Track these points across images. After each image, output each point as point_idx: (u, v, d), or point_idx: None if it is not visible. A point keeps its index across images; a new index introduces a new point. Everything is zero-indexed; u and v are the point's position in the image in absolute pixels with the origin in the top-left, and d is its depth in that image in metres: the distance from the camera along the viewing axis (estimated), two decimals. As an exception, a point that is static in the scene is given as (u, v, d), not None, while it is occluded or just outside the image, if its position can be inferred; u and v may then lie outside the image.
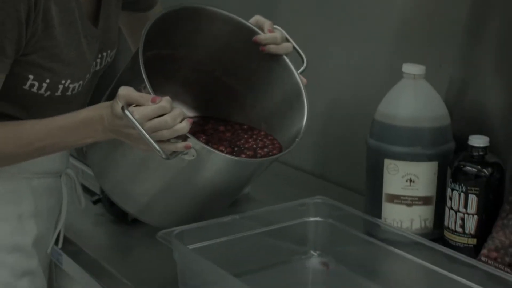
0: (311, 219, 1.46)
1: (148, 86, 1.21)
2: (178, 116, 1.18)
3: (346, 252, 1.45)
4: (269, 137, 1.44)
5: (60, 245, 1.56)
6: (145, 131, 1.16)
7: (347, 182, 1.86)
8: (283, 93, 1.45)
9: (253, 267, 1.39)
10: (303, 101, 1.39)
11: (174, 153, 1.20)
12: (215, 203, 1.40)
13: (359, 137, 1.61)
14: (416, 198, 1.50)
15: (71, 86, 1.33)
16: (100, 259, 1.50)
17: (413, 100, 1.50)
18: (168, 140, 1.20)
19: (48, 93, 1.31)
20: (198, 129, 1.47)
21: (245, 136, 1.45)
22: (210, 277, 1.24)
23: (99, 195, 1.70)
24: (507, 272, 1.33)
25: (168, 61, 1.47)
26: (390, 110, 1.51)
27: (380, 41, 1.75)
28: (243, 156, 1.36)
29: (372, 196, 1.56)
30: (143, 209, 1.42)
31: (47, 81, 1.30)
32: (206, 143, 1.34)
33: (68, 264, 1.61)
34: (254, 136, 1.45)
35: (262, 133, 1.46)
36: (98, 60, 1.40)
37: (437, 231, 1.51)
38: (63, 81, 1.32)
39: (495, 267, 1.34)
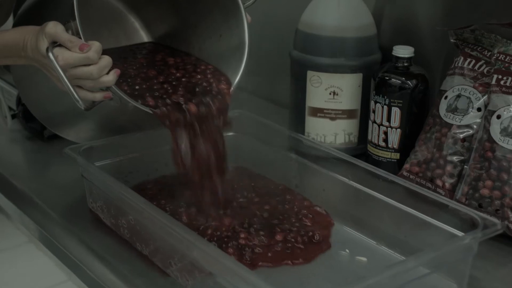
0: (230, 133, 1.39)
1: (80, 31, 1.10)
2: (104, 67, 1.10)
3: (268, 167, 1.39)
4: (223, 77, 1.30)
5: None
6: (67, 78, 1.08)
7: (270, 95, 1.81)
8: (227, 32, 1.31)
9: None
10: (243, 52, 1.27)
11: (95, 103, 1.13)
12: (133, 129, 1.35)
13: (284, 48, 1.54)
14: (340, 112, 1.45)
15: None
16: (9, 175, 1.43)
17: (336, 8, 1.42)
18: None
19: None
20: (148, 59, 1.37)
21: (198, 76, 1.31)
22: (114, 194, 1.17)
23: (15, 111, 1.63)
24: (428, 187, 1.29)
25: None
26: (313, 19, 1.45)
27: None
28: None
29: (296, 110, 1.50)
30: (61, 127, 1.44)
31: None
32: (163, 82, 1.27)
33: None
34: (210, 76, 1.31)
35: (210, 66, 1.33)
36: None
37: (362, 146, 1.46)
38: None
39: (417, 182, 1.30)
